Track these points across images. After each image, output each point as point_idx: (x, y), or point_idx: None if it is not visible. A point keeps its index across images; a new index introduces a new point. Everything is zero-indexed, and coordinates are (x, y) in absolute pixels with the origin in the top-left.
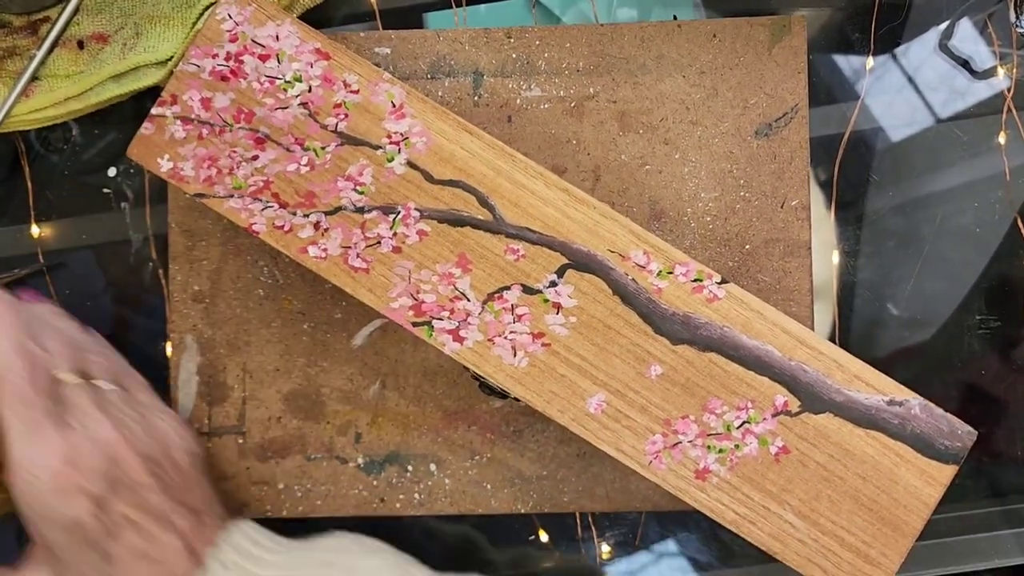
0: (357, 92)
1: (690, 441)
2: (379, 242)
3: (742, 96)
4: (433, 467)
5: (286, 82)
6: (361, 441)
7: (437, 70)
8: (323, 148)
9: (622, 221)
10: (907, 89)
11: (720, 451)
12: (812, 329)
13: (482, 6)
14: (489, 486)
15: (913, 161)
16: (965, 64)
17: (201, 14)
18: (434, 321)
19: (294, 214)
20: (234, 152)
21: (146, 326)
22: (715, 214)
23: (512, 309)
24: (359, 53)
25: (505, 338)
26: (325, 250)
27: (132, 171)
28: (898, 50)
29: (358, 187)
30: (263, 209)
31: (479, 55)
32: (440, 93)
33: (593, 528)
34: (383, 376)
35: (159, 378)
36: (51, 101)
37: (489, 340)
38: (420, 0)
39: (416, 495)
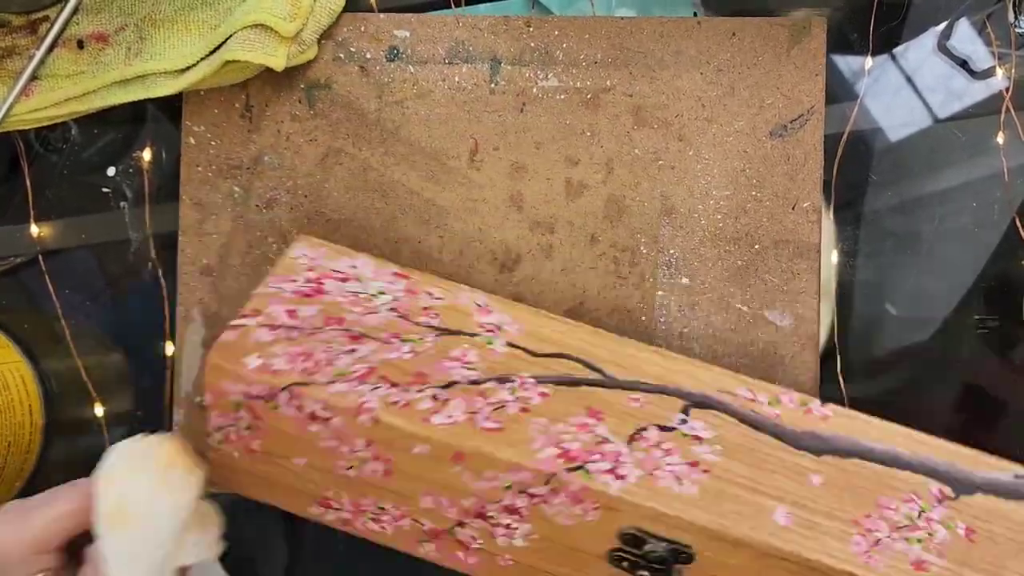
0: (442, 299)
1: (888, 536)
2: (504, 406)
3: (759, 96)
4: None
5: (371, 295)
6: None
7: (455, 55)
8: (421, 339)
9: (716, 369)
10: (906, 89)
11: (919, 540)
12: (819, 331)
13: (481, 5)
14: None
15: (912, 161)
16: (963, 64)
17: (223, 43)
18: (588, 464)
19: (407, 391)
20: (329, 347)
21: (144, 325)
22: (726, 212)
23: (658, 445)
24: (378, 36)
25: (664, 470)
26: (451, 417)
27: (131, 171)
28: (897, 50)
29: (466, 365)
30: (373, 390)
31: (497, 42)
32: (457, 79)
33: None
34: None
35: (159, 377)
36: (51, 101)
37: (650, 474)
38: (419, 0)
39: None
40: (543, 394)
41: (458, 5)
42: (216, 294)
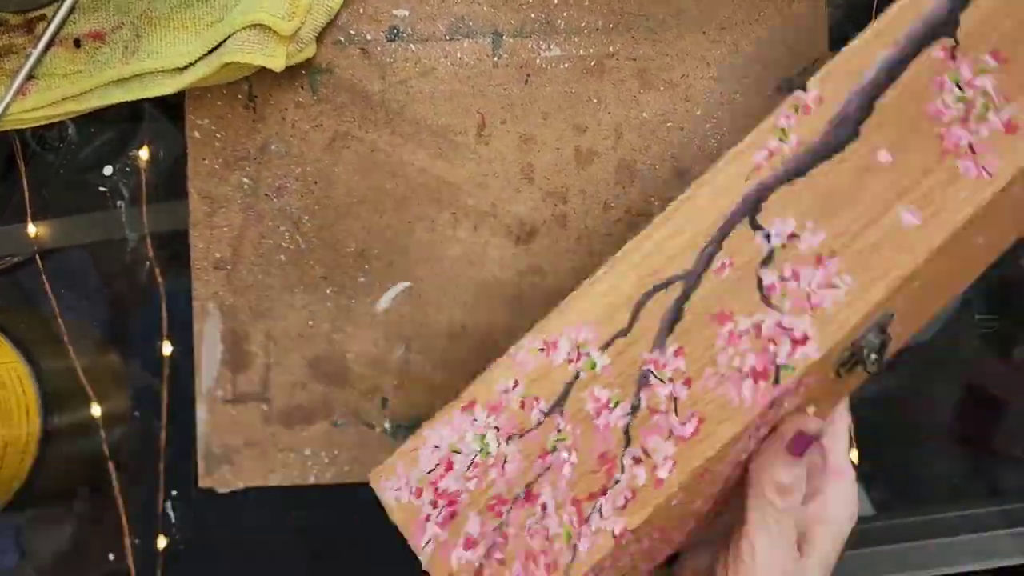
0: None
1: None
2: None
3: (762, 52)
4: None
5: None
6: (388, 406)
7: (455, 31)
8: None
9: None
10: None
11: None
12: None
13: None
14: None
15: None
16: None
17: (223, 42)
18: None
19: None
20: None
21: (142, 324)
22: None
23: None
24: (376, 16)
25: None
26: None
27: (128, 170)
28: None
29: (595, 400)
30: None
31: (497, 15)
32: (459, 54)
33: None
34: (408, 340)
35: (156, 376)
36: (48, 100)
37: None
38: None
39: None
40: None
41: None
42: (231, 286)
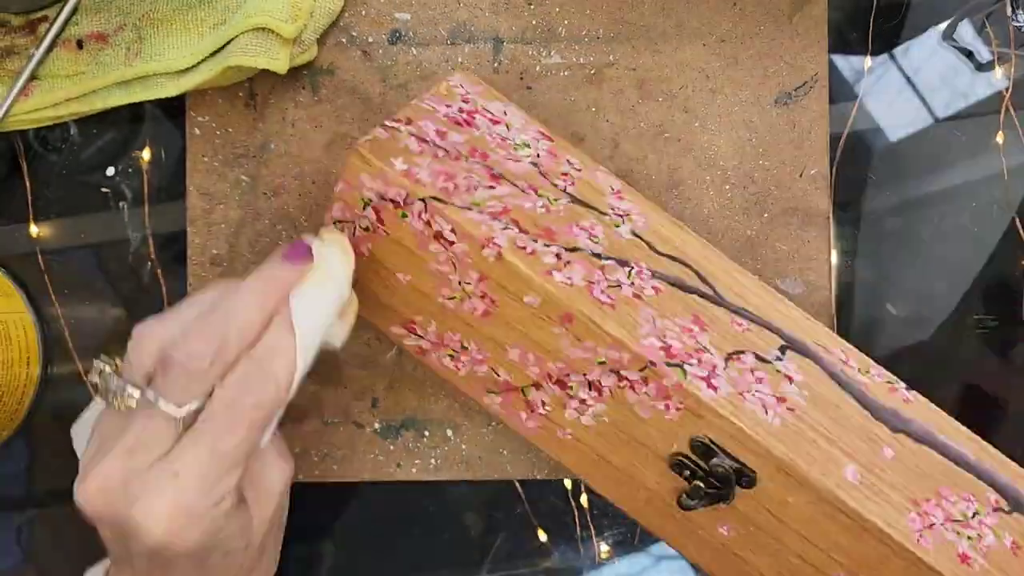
0: (580, 171)
1: (941, 524)
2: (619, 286)
3: (762, 64)
4: (450, 432)
5: (516, 144)
6: (378, 406)
7: (457, 36)
8: (555, 200)
9: (818, 323)
10: (905, 89)
11: (968, 538)
12: (832, 298)
13: None
14: (506, 452)
15: (911, 161)
16: (968, 56)
17: (226, 45)
18: (685, 366)
19: (534, 241)
20: (470, 176)
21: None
22: (734, 182)
23: (752, 371)
24: (379, 19)
25: (753, 395)
26: (570, 279)
27: (130, 170)
28: (896, 50)
29: (592, 237)
30: (503, 229)
31: (499, 21)
32: (460, 59)
33: (592, 527)
34: None
35: None
36: (51, 101)
37: (739, 394)
38: None
39: (432, 460)
40: (656, 288)
41: None
42: None
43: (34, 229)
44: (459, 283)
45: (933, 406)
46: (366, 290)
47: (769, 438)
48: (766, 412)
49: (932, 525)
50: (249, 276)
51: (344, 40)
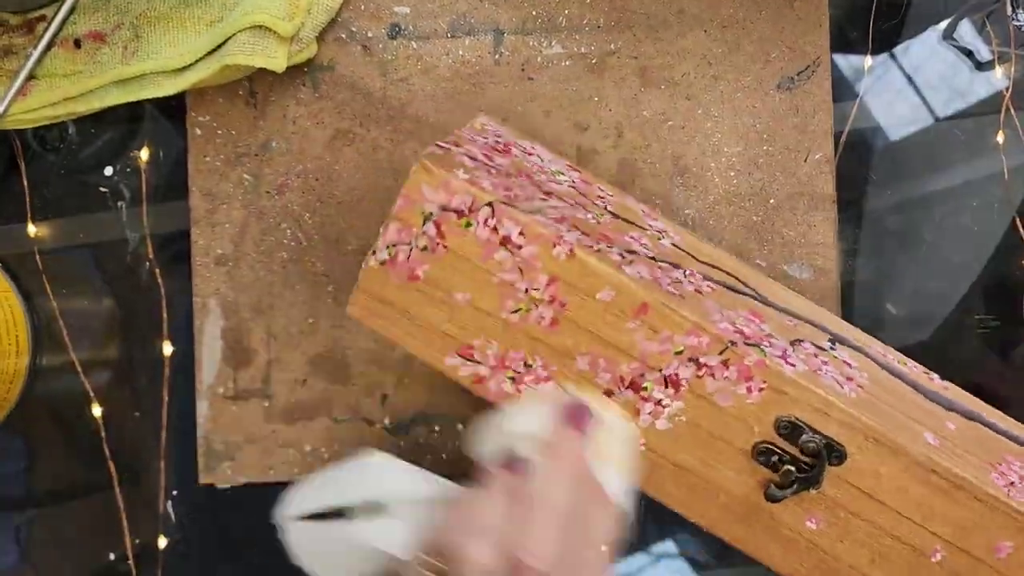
0: (612, 196)
1: (1019, 483)
2: (681, 282)
3: (763, 50)
4: (460, 427)
5: (552, 172)
6: (387, 402)
7: (457, 28)
8: (600, 215)
9: (855, 327)
10: (906, 88)
11: None
12: (838, 281)
13: None
14: None
15: (912, 160)
16: (968, 55)
17: (224, 43)
18: (763, 346)
19: (598, 243)
20: (525, 188)
21: (142, 324)
22: (739, 169)
23: (815, 356)
24: (378, 14)
25: (825, 374)
26: (639, 273)
27: (128, 170)
28: (897, 49)
29: (643, 245)
30: (568, 231)
31: (499, 12)
32: (460, 52)
33: None
34: None
35: (156, 376)
36: (49, 100)
37: (814, 372)
38: None
39: (444, 455)
40: (710, 287)
41: None
42: (232, 283)
43: (32, 228)
44: (526, 291)
45: (967, 393)
46: (418, 319)
47: (855, 408)
48: (841, 387)
49: (1013, 483)
50: (541, 452)
51: (344, 35)
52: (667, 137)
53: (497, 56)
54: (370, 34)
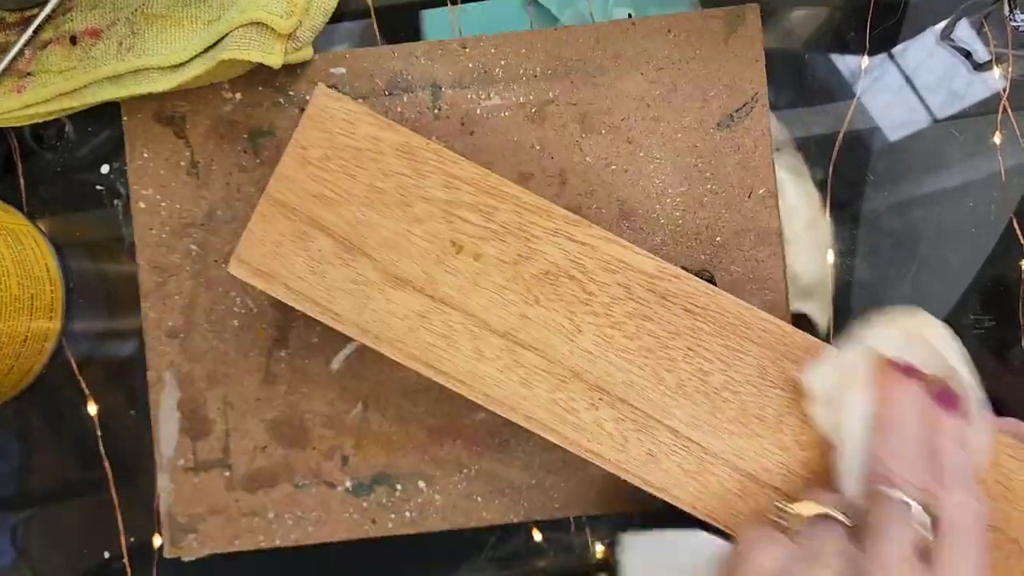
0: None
1: None
2: None
3: (701, 89)
4: (422, 484)
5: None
6: (348, 464)
7: (394, 86)
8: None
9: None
10: (904, 89)
11: None
12: (789, 316)
13: (469, 6)
14: (480, 498)
15: (909, 161)
16: (967, 56)
17: (222, 38)
18: None
19: None
20: None
21: (139, 324)
22: (684, 208)
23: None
24: (313, 75)
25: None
26: None
27: (125, 168)
28: (895, 50)
29: None
30: None
31: (435, 68)
32: (399, 109)
33: (587, 529)
34: (364, 398)
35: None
36: (43, 97)
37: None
38: None
39: (407, 513)
40: None
41: (455, 3)
42: (185, 354)
43: None
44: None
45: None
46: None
47: None
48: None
49: None
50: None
51: (281, 100)
52: (611, 181)
53: (436, 111)
54: (307, 97)
